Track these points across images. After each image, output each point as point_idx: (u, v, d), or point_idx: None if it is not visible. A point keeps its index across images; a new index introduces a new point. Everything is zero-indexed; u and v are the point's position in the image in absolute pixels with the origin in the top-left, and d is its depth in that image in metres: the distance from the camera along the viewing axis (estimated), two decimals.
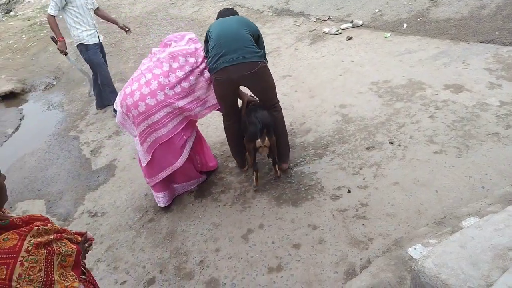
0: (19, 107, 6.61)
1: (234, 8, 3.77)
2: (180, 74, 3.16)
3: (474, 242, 1.91)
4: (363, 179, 3.34)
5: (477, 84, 4.20)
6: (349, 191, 3.25)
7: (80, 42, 4.68)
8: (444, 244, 1.99)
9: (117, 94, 4.74)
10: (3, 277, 1.17)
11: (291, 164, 3.72)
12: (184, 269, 2.93)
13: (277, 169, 3.54)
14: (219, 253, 3.00)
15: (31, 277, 1.21)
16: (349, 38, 6.13)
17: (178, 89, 3.16)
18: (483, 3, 5.63)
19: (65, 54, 4.75)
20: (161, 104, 3.11)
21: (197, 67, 3.24)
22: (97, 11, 4.98)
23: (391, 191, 3.15)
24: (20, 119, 6.14)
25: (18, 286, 1.18)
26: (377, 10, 6.66)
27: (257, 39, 3.32)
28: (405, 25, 6.04)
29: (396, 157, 3.49)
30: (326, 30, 6.59)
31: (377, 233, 2.81)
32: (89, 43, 4.70)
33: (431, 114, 3.92)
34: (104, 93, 5.28)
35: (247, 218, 3.26)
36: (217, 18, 3.50)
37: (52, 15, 4.41)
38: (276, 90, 3.49)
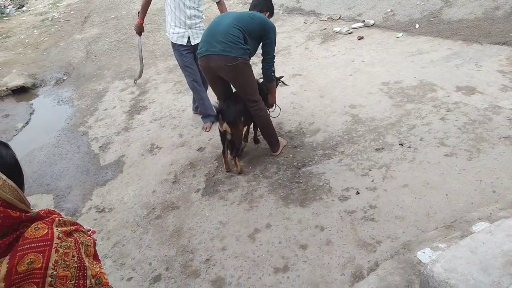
0: (29, 101, 6.65)
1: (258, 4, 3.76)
2: None
3: (484, 248, 1.88)
4: (372, 181, 3.31)
5: (490, 86, 4.15)
6: (357, 193, 3.22)
7: (168, 37, 4.35)
8: (454, 248, 1.97)
9: (200, 105, 4.59)
10: (39, 266, 1.16)
11: (299, 164, 3.71)
12: (190, 267, 2.93)
13: (237, 164, 3.77)
14: (226, 252, 2.99)
15: (67, 263, 1.21)
16: (360, 38, 6.08)
17: None
18: (497, 4, 5.56)
19: (139, 35, 4.44)
20: None
21: None
22: (218, 4, 4.49)
23: (400, 193, 3.11)
24: (30, 114, 6.17)
25: (54, 273, 1.18)
26: (389, 10, 6.61)
27: (262, 29, 3.41)
28: (417, 26, 5.98)
29: (406, 159, 3.46)
30: (337, 29, 6.55)
31: (385, 236, 2.78)
32: (175, 42, 4.26)
33: (442, 116, 3.88)
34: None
35: (254, 217, 3.25)
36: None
37: None
38: (257, 90, 3.61)
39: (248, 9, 3.79)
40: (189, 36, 4.19)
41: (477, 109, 3.84)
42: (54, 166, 4.58)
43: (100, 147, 4.78)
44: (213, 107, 3.58)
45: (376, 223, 2.90)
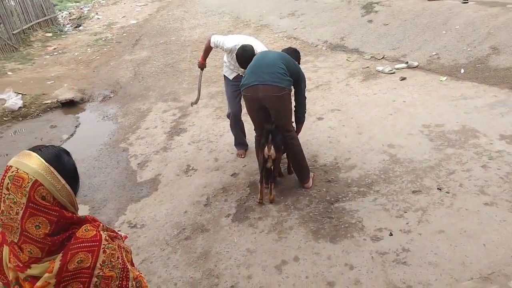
0: (76, 115, 6.97)
1: (292, 47, 4.19)
2: None
3: None
4: (407, 223, 3.23)
5: None
6: (391, 234, 3.15)
7: (223, 73, 4.67)
8: None
9: (235, 131, 4.72)
10: (87, 265, 1.23)
11: (332, 199, 3.67)
12: None
13: (272, 191, 3.80)
14: (251, 280, 2.97)
15: (113, 263, 1.28)
16: (403, 79, 6.06)
17: None
18: None
19: (201, 69, 4.82)
20: None
21: None
22: None
23: (435, 239, 3.02)
24: (76, 126, 6.46)
25: (101, 273, 1.25)
26: (434, 53, 6.58)
27: (297, 77, 3.65)
28: (462, 71, 5.91)
29: (443, 204, 3.36)
30: (380, 68, 6.56)
31: (417, 281, 2.69)
32: (224, 74, 4.58)
33: (483, 163, 3.77)
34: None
35: (282, 248, 3.22)
36: None
37: (210, 44, 4.32)
38: (292, 119, 3.79)
39: (289, 45, 3.95)
40: (239, 74, 4.39)
41: None
42: (93, 179, 4.74)
43: (138, 164, 4.92)
44: (264, 127, 3.67)
45: (408, 267, 2.81)
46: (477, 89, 5.33)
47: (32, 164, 1.22)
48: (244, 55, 3.79)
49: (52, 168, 1.24)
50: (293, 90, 3.74)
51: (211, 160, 4.74)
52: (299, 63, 3.95)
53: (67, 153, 1.37)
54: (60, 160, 1.30)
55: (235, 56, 4.01)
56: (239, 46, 3.94)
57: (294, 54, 3.95)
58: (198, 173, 4.52)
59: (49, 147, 1.32)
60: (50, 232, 1.22)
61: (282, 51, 3.94)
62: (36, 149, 1.28)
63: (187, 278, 3.09)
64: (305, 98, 3.87)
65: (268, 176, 3.80)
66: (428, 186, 3.62)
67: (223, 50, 4.32)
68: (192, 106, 5.28)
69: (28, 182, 1.19)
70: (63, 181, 1.26)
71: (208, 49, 4.47)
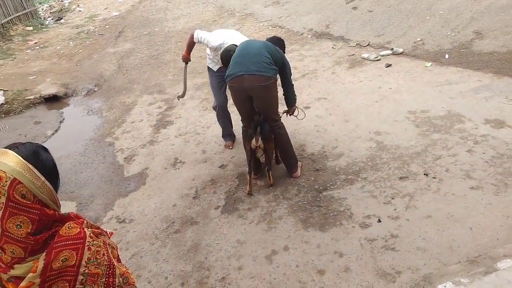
0: (60, 110, 6.85)
1: (276, 36, 4.13)
2: None
3: (510, 286, 1.82)
4: (395, 209, 3.26)
5: None
6: (379, 221, 3.17)
7: (207, 65, 4.65)
8: (477, 284, 1.92)
9: (222, 123, 4.68)
10: (72, 263, 1.22)
11: (321, 188, 3.68)
12: (206, 284, 2.92)
13: (271, 177, 3.81)
14: (242, 271, 2.98)
15: (98, 260, 1.27)
16: (388, 65, 6.07)
17: None
18: None
19: (185, 63, 4.72)
20: None
21: None
22: None
23: (423, 224, 3.05)
24: (60, 122, 6.35)
25: (86, 271, 1.23)
26: (418, 39, 6.59)
27: (281, 66, 3.64)
28: (446, 56, 5.94)
29: (430, 189, 3.40)
30: (365, 55, 6.56)
31: (405, 267, 2.72)
32: (208, 65, 4.59)
33: (469, 148, 3.81)
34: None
35: (272, 238, 3.23)
36: None
37: (194, 40, 4.26)
38: (278, 108, 3.79)
39: (274, 34, 3.93)
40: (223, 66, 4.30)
41: (505, 143, 3.76)
42: (79, 174, 4.68)
43: (125, 158, 4.87)
44: (251, 118, 3.68)
45: (397, 253, 2.84)
46: (462, 74, 5.37)
47: (9, 162, 1.18)
48: (228, 57, 3.75)
49: (30, 165, 1.21)
50: (279, 79, 3.72)
51: (199, 152, 4.72)
52: (284, 52, 3.93)
53: (45, 149, 1.33)
54: (38, 157, 1.26)
55: (219, 55, 3.98)
56: (224, 47, 3.90)
57: (278, 43, 3.93)
58: (186, 165, 4.49)
59: (26, 144, 1.28)
60: (32, 231, 1.19)
61: (267, 40, 3.91)
62: (12, 146, 1.25)
63: (178, 271, 3.08)
64: (293, 85, 3.88)
65: (257, 167, 3.82)
66: (415, 172, 3.65)
67: (207, 47, 4.26)
68: (178, 99, 5.22)
69: (6, 181, 1.16)
70: (43, 178, 1.23)
71: (191, 44, 4.40)
